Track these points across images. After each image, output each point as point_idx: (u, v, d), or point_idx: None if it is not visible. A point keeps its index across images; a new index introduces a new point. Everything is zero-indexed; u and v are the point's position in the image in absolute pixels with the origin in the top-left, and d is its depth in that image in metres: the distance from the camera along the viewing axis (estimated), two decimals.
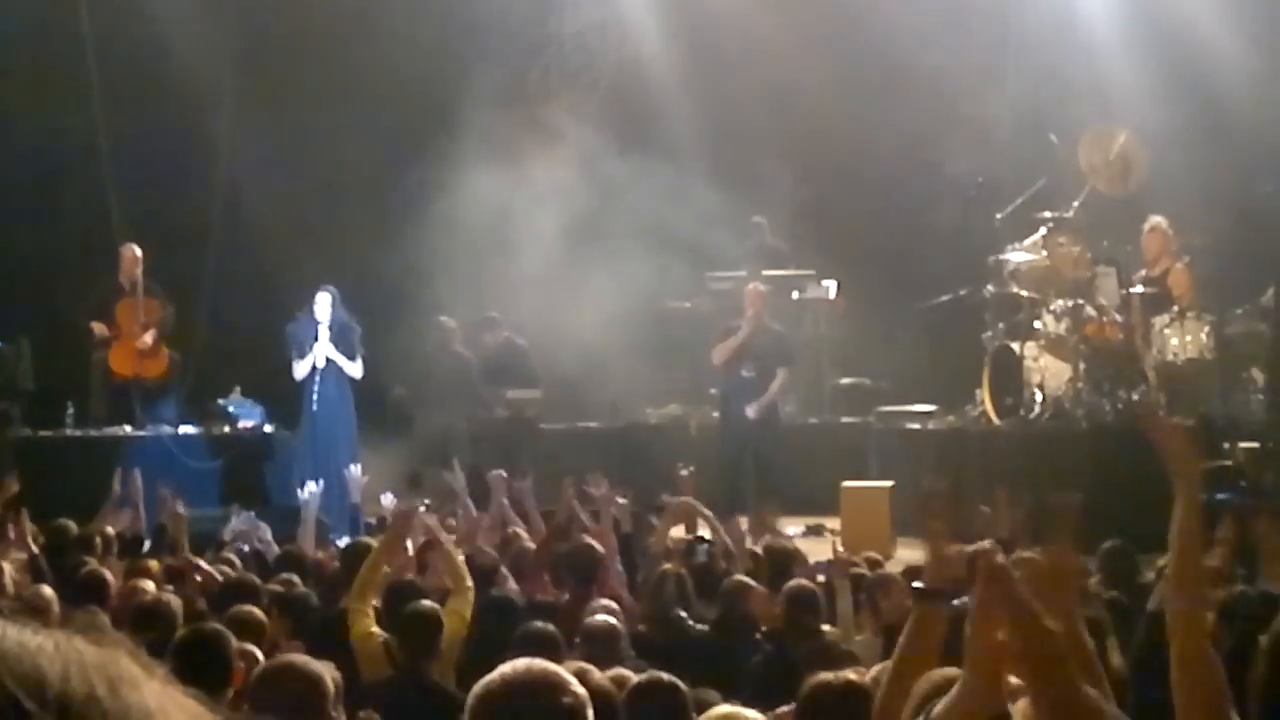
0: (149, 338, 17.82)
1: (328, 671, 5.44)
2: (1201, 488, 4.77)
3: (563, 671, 3.52)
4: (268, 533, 11.77)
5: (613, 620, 7.78)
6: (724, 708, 4.75)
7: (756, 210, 19.50)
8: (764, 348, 16.93)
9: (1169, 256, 16.06)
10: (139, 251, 18.09)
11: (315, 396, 16.79)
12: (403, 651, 7.74)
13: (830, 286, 19.38)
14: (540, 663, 3.58)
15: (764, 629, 8.58)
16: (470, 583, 8.87)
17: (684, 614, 9.05)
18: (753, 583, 9.24)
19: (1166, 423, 4.79)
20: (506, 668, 3.49)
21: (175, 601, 8.11)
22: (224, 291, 19.48)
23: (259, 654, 6.57)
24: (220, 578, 10.07)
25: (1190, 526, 4.68)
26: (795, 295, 19.17)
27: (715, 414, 18.58)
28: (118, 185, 19.23)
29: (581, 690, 3.46)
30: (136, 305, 17.92)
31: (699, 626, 8.99)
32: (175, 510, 11.37)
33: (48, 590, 8.54)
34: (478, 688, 3.49)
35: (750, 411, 16.76)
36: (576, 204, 19.32)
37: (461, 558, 9.48)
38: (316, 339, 16.84)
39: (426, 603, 8.10)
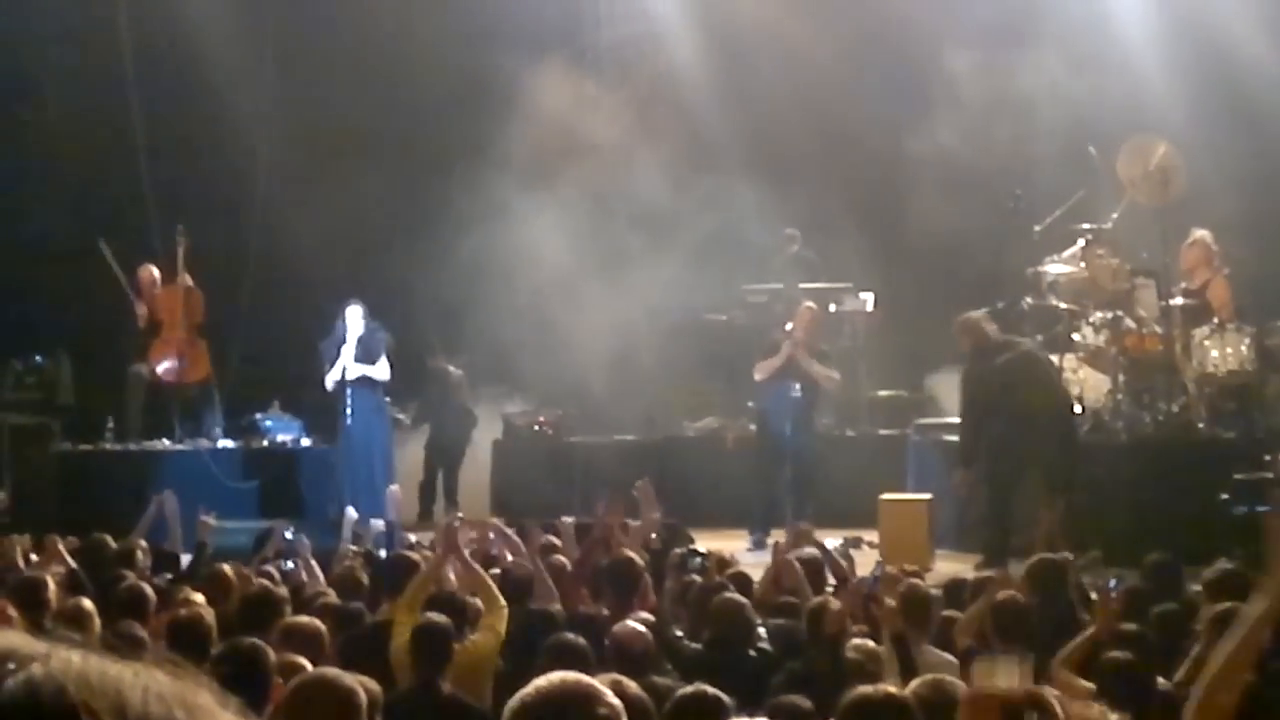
0: (191, 340, 17.95)
1: (361, 685, 5.44)
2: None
3: (597, 684, 3.51)
4: (308, 549, 11.76)
5: (642, 629, 7.75)
6: None
7: (792, 222, 19.47)
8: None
9: (1209, 269, 15.99)
10: (156, 273, 18.21)
11: (350, 412, 16.82)
12: (415, 664, 7.76)
13: (867, 299, 19.33)
14: (574, 675, 3.57)
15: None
16: (502, 600, 8.89)
17: (679, 633, 8.92)
18: (743, 600, 9.12)
19: None
20: (541, 681, 3.48)
21: (210, 616, 8.12)
22: (261, 307, 19.52)
23: (308, 665, 6.55)
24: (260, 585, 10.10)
25: (1262, 628, 4.56)
26: (833, 308, 19.13)
27: (752, 427, 18.54)
28: (157, 202, 19.29)
29: (616, 702, 3.45)
30: (178, 299, 18.02)
31: (693, 646, 8.81)
32: (208, 524, 11.49)
33: (87, 603, 8.56)
34: (513, 702, 3.49)
35: (786, 428, 16.74)
36: (613, 217, 19.35)
37: (498, 571, 9.50)
38: (349, 353, 16.87)
39: (438, 615, 8.11)
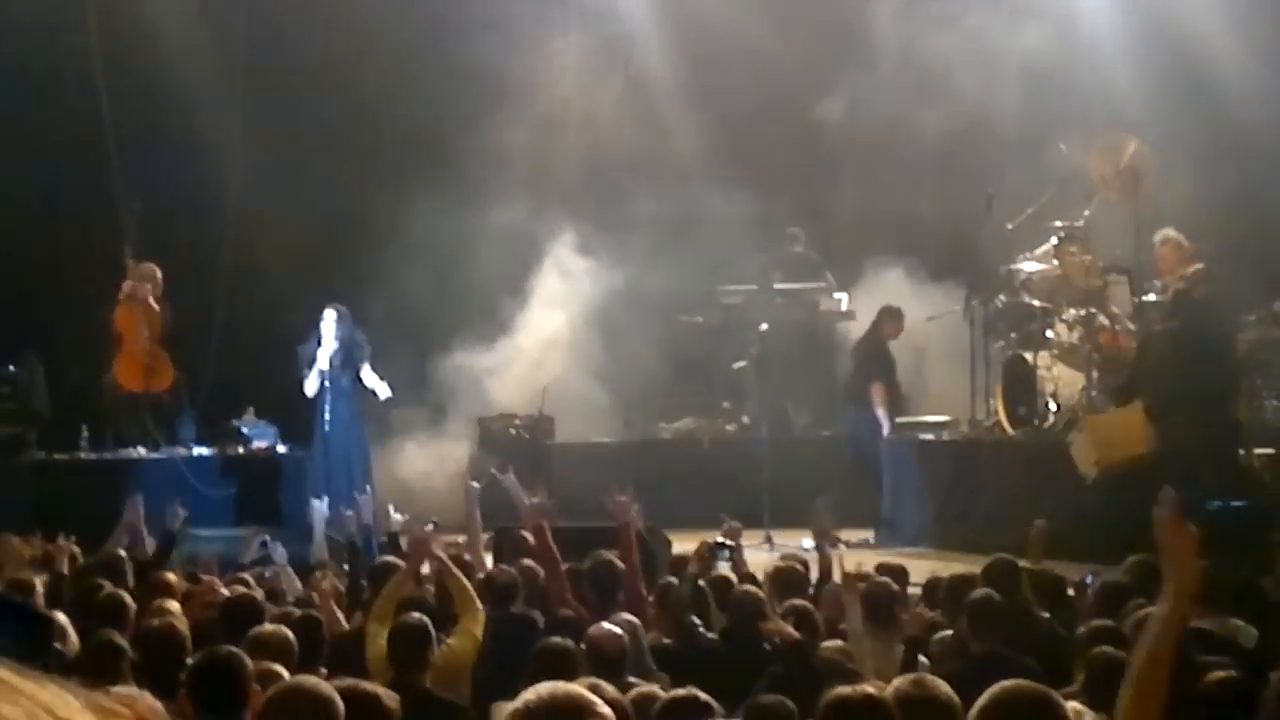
0: (154, 348, 17.85)
1: (380, 695, 5.47)
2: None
3: (588, 693, 3.50)
4: (284, 558, 11.73)
5: (618, 630, 7.76)
6: None
7: (769, 222, 19.46)
8: None
9: (1185, 265, 16.02)
10: (159, 274, 18.13)
11: (328, 417, 16.81)
12: (393, 664, 7.78)
13: (843, 298, 19.37)
14: (565, 685, 3.56)
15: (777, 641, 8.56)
16: (479, 603, 8.91)
17: (697, 620, 9.07)
18: (760, 593, 9.25)
19: (1180, 525, 4.50)
20: (530, 693, 3.48)
21: (184, 625, 8.10)
22: (236, 311, 19.48)
23: (285, 673, 6.55)
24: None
25: (1171, 637, 4.50)
26: (822, 307, 19.20)
27: (729, 427, 18.64)
28: (127, 206, 19.22)
29: (608, 711, 3.45)
30: (137, 314, 17.89)
31: (710, 635, 9.01)
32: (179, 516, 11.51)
33: (62, 616, 8.55)
34: (504, 715, 3.48)
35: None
36: (585, 221, 19.38)
37: (481, 576, 9.50)
38: (327, 358, 16.86)
39: (416, 615, 8.13)
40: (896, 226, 18.77)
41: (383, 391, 17.15)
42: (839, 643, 8.55)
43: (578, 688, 3.57)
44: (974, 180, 17.56)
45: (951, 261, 18.24)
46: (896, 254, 19.07)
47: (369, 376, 17.14)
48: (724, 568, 10.77)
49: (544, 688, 3.49)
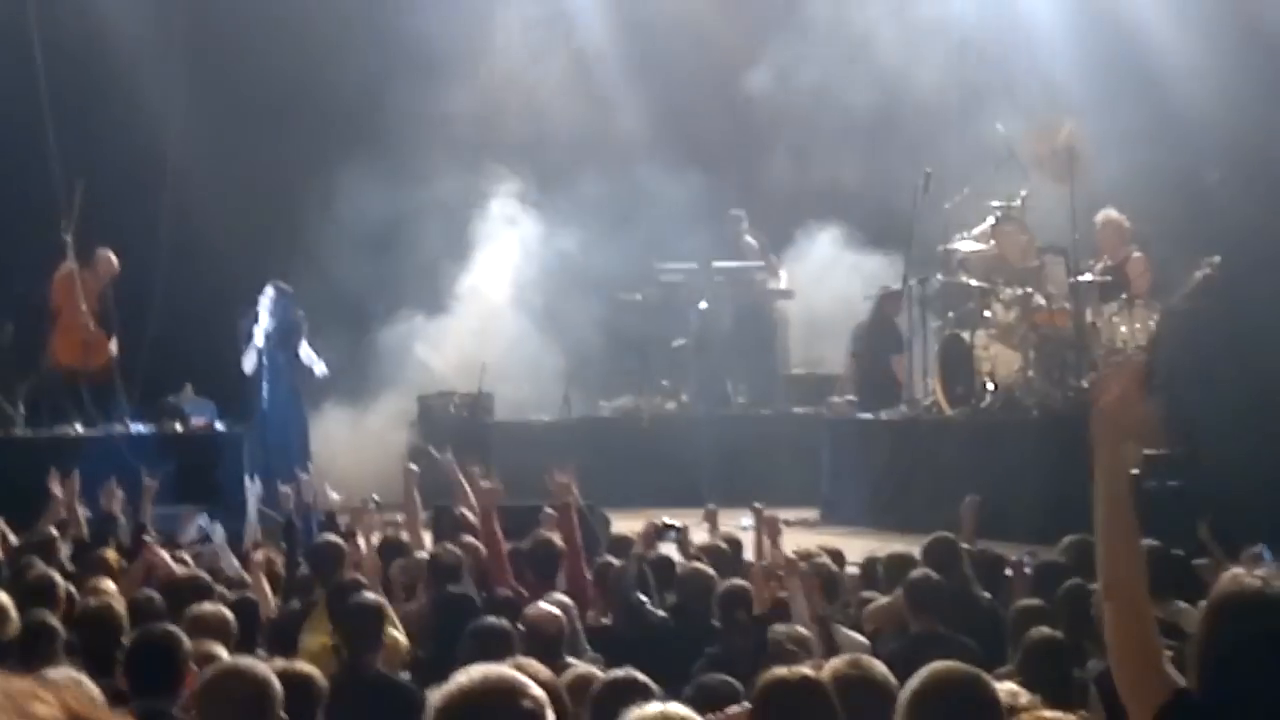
0: (91, 324, 17.66)
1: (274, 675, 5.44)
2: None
3: (520, 676, 3.50)
4: (223, 537, 11.68)
5: (555, 610, 7.77)
6: (656, 706, 4.74)
7: (708, 199, 19.46)
8: None
9: (1125, 246, 16.10)
10: (115, 260, 17.94)
11: (266, 394, 16.75)
12: (346, 645, 7.74)
13: (783, 277, 19.41)
14: (497, 669, 3.57)
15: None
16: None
17: (644, 598, 9.09)
18: (710, 570, 9.27)
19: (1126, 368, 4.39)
20: (463, 676, 3.48)
21: (120, 605, 8.07)
22: (174, 287, 19.33)
23: (224, 653, 6.52)
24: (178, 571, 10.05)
25: (1116, 482, 4.38)
26: (761, 285, 19.24)
27: (670, 405, 18.67)
28: (65, 181, 19.06)
29: (540, 694, 3.45)
30: (75, 286, 17.67)
31: (659, 613, 9.02)
32: (116, 496, 11.44)
33: (4, 596, 8.51)
34: (436, 699, 3.48)
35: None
36: (527, 199, 19.37)
37: (426, 556, 9.51)
38: (264, 335, 16.79)
39: (369, 595, 8.11)
40: (828, 196, 18.87)
41: (319, 368, 17.11)
42: (789, 626, 8.54)
43: (510, 670, 3.57)
44: (907, 153, 17.66)
45: (883, 232, 18.34)
46: (828, 222, 19.13)
47: (306, 353, 17.09)
48: (669, 548, 10.80)
49: (475, 672, 3.49)
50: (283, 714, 5.02)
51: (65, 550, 10.97)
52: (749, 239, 19.54)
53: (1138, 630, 4.15)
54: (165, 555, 10.28)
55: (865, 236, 18.90)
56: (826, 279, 19.10)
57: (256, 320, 16.84)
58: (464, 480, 11.41)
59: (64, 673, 5.54)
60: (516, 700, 3.39)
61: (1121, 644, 4.17)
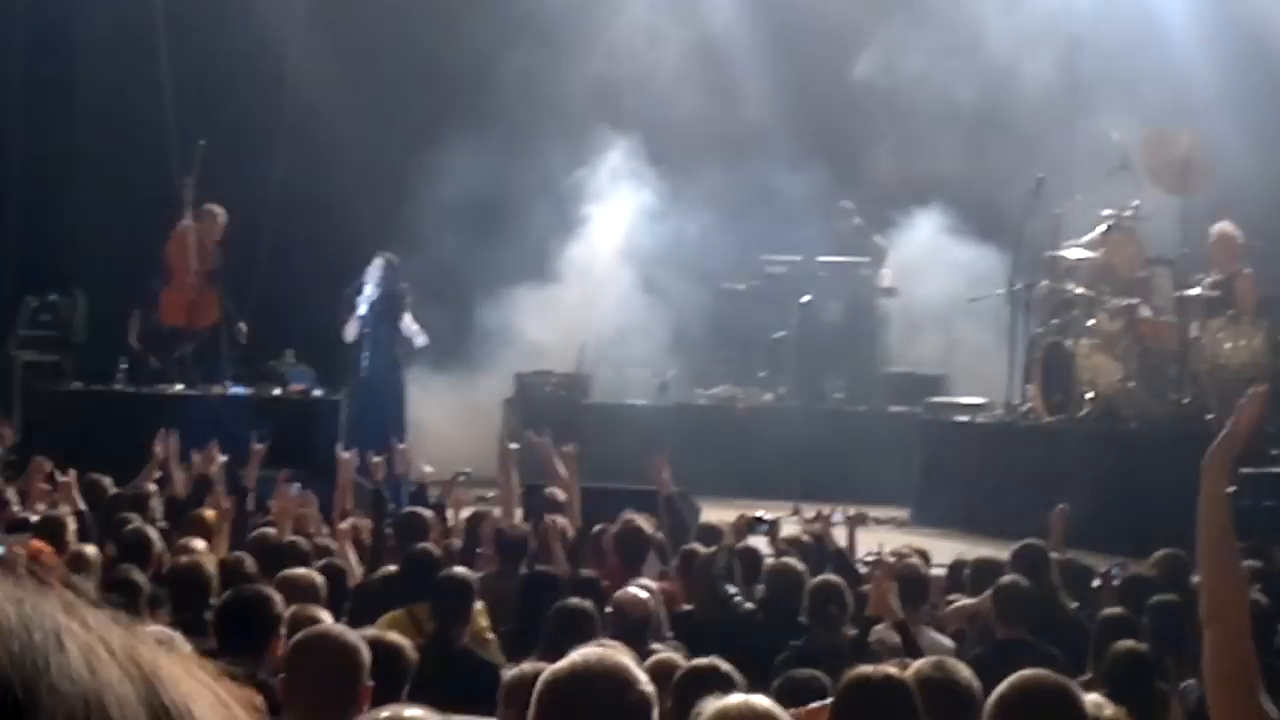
0: (201, 285, 17.79)
1: (395, 644, 5.49)
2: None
3: (633, 666, 3.48)
4: (314, 503, 11.78)
5: (643, 595, 7.78)
6: (739, 696, 4.73)
7: (821, 192, 19.36)
8: None
9: (1236, 261, 15.90)
10: (221, 218, 18.04)
11: (366, 365, 16.83)
12: (435, 618, 7.76)
13: (886, 274, 19.31)
14: (612, 655, 3.56)
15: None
16: None
17: (732, 590, 9.08)
18: (800, 566, 9.25)
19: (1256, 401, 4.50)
20: (577, 656, 3.47)
21: (211, 564, 8.16)
22: (281, 251, 19.49)
23: (327, 617, 6.54)
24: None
25: (1217, 514, 4.45)
26: (875, 282, 19.16)
27: (767, 397, 18.66)
28: (179, 134, 19.24)
29: (650, 689, 3.43)
30: (189, 248, 17.81)
31: (746, 605, 9.01)
32: (215, 458, 11.56)
33: (91, 549, 8.61)
34: (546, 674, 3.47)
35: None
36: (637, 182, 19.37)
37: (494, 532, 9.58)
38: (368, 305, 16.85)
39: (459, 569, 8.16)
40: (932, 188, 18.83)
41: (420, 339, 17.14)
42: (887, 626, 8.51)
43: (624, 658, 3.55)
44: (1017, 151, 17.58)
45: (987, 227, 18.28)
46: (930, 208, 19.06)
47: (408, 324, 17.16)
48: (759, 541, 10.79)
49: (591, 653, 3.48)
50: (368, 682, 5.05)
51: (159, 508, 11.09)
52: (858, 223, 19.37)
53: (1237, 658, 4.13)
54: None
55: (968, 229, 18.78)
56: (926, 272, 18.97)
57: (361, 290, 16.92)
58: (558, 461, 11.45)
59: (157, 629, 5.60)
60: (625, 691, 3.38)
61: (1219, 670, 4.15)
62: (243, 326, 17.75)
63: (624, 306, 19.08)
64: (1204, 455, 4.39)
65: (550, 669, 3.46)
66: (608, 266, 19.33)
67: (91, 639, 1.10)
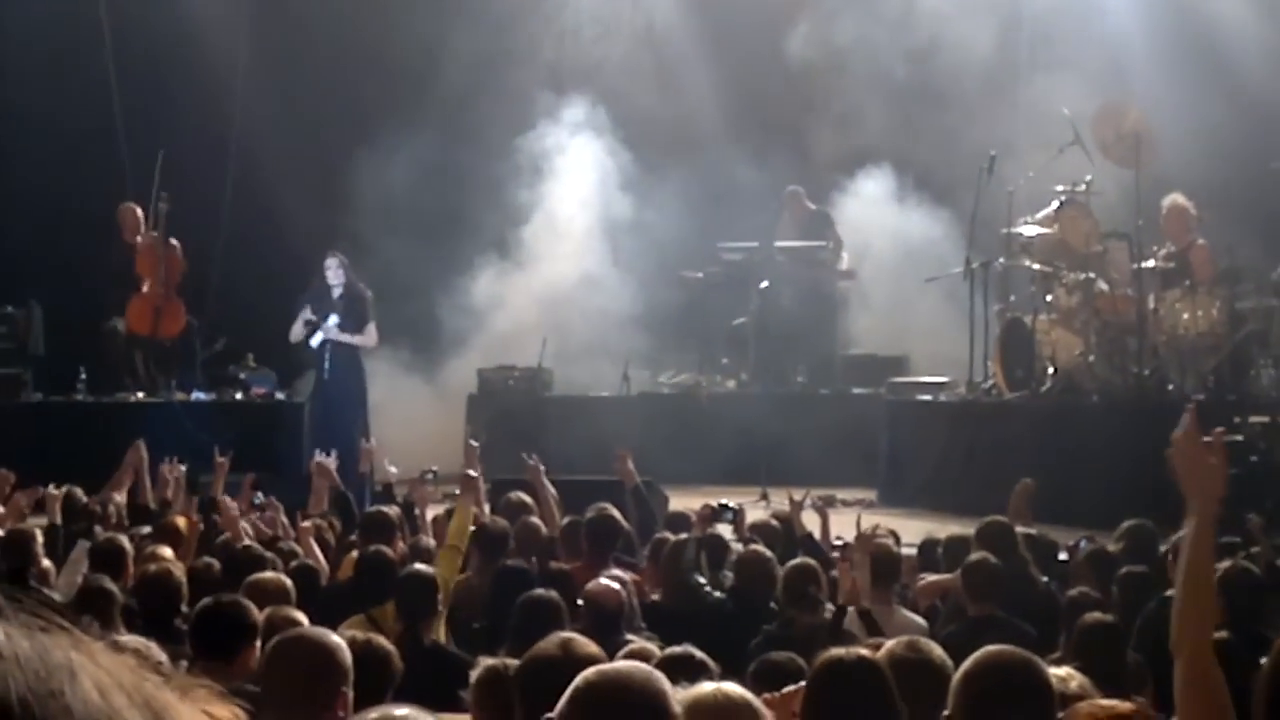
0: (168, 294, 17.81)
1: (378, 644, 5.49)
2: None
3: (667, 686, 3.46)
4: (279, 509, 11.76)
5: (616, 586, 7.78)
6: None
7: (771, 180, 19.42)
8: None
9: (1189, 232, 15.99)
10: (140, 212, 18.06)
11: (327, 366, 16.78)
12: (400, 616, 7.75)
13: (844, 258, 19.35)
14: (644, 667, 3.55)
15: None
16: (462, 545, 8.98)
17: (702, 580, 9.09)
18: (768, 553, 9.26)
19: (1195, 440, 4.41)
20: (609, 667, 3.46)
21: (179, 572, 8.14)
22: (237, 259, 19.45)
23: (303, 619, 6.53)
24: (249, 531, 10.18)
25: (1204, 550, 4.48)
26: (842, 264, 19.21)
27: (730, 384, 18.68)
28: (130, 141, 19.19)
29: (678, 710, 3.43)
30: (158, 257, 17.82)
31: (716, 594, 9.02)
32: (177, 477, 11.54)
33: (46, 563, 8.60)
34: (579, 680, 3.45)
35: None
36: (588, 175, 19.37)
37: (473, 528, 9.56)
38: (326, 307, 16.78)
39: (423, 566, 8.16)
40: (876, 160, 18.94)
41: (371, 339, 17.02)
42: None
43: (659, 675, 3.50)
44: (963, 124, 17.70)
45: (936, 198, 18.41)
46: (873, 173, 19.17)
47: (366, 323, 17.07)
48: (724, 529, 10.81)
49: (624, 665, 3.46)
50: (347, 684, 5.02)
51: (116, 516, 11.06)
52: (812, 207, 19.40)
53: (1208, 686, 4.19)
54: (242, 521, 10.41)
55: (915, 198, 18.93)
56: (877, 245, 19.09)
57: (314, 290, 16.87)
58: (546, 482, 11.45)
59: (132, 639, 5.58)
60: (661, 706, 3.37)
61: (1190, 698, 4.21)
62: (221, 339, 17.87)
63: (583, 300, 19.07)
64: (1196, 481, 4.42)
65: (583, 675, 3.42)
66: (565, 258, 19.33)
67: (101, 672, 1.15)
